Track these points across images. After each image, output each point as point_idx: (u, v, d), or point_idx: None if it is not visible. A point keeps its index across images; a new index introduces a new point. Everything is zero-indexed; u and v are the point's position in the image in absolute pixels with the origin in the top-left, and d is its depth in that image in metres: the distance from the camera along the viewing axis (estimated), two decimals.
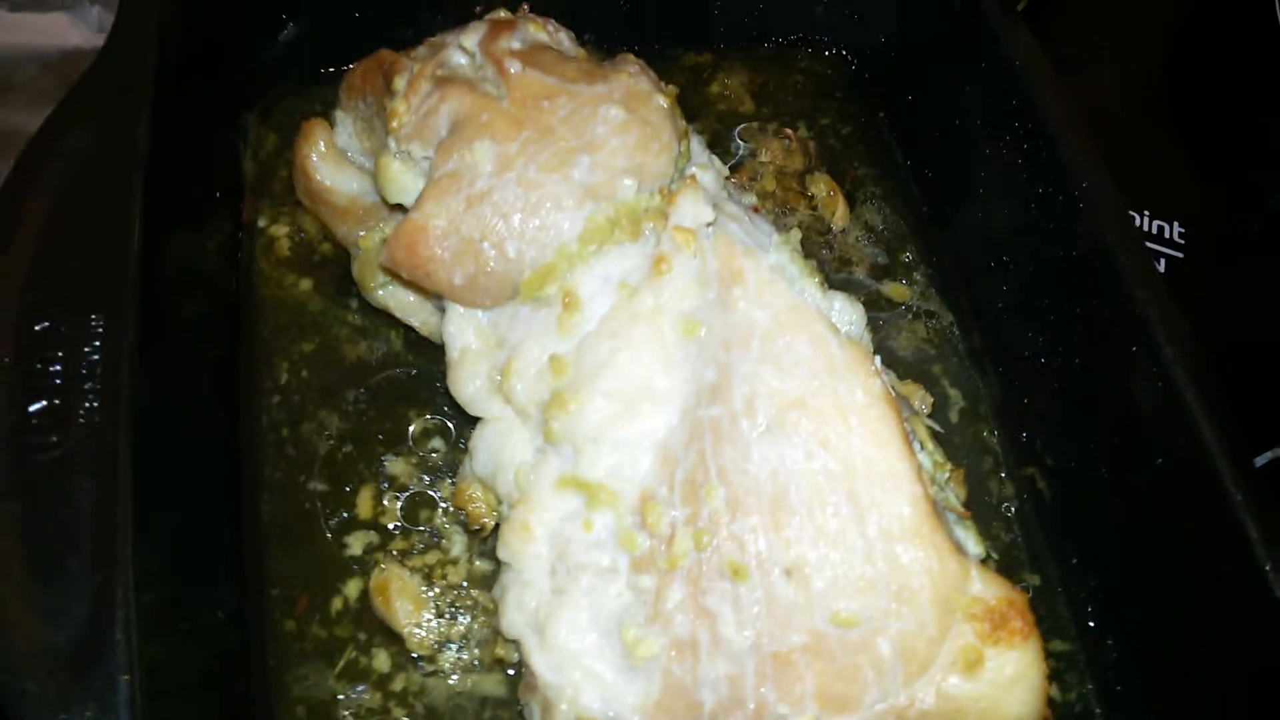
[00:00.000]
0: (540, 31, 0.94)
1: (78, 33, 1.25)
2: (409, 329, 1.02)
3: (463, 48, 0.91)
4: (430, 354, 1.01)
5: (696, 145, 0.95)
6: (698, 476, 0.76)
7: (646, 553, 0.77)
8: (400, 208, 0.91)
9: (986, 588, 0.73)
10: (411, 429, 1.00)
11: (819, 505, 0.73)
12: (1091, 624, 0.96)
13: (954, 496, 0.83)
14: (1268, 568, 0.79)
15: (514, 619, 0.81)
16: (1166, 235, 1.31)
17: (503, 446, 0.86)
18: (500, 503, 0.88)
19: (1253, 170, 1.44)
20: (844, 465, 0.74)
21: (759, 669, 0.73)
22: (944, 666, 0.72)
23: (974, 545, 0.80)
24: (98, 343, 0.79)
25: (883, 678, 0.72)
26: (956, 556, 0.73)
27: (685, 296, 0.80)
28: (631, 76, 0.89)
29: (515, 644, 0.82)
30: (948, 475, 0.84)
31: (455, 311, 0.88)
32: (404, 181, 0.89)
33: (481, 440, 0.87)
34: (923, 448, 0.82)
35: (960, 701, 0.72)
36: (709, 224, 0.83)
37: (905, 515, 0.73)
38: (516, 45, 0.90)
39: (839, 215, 1.17)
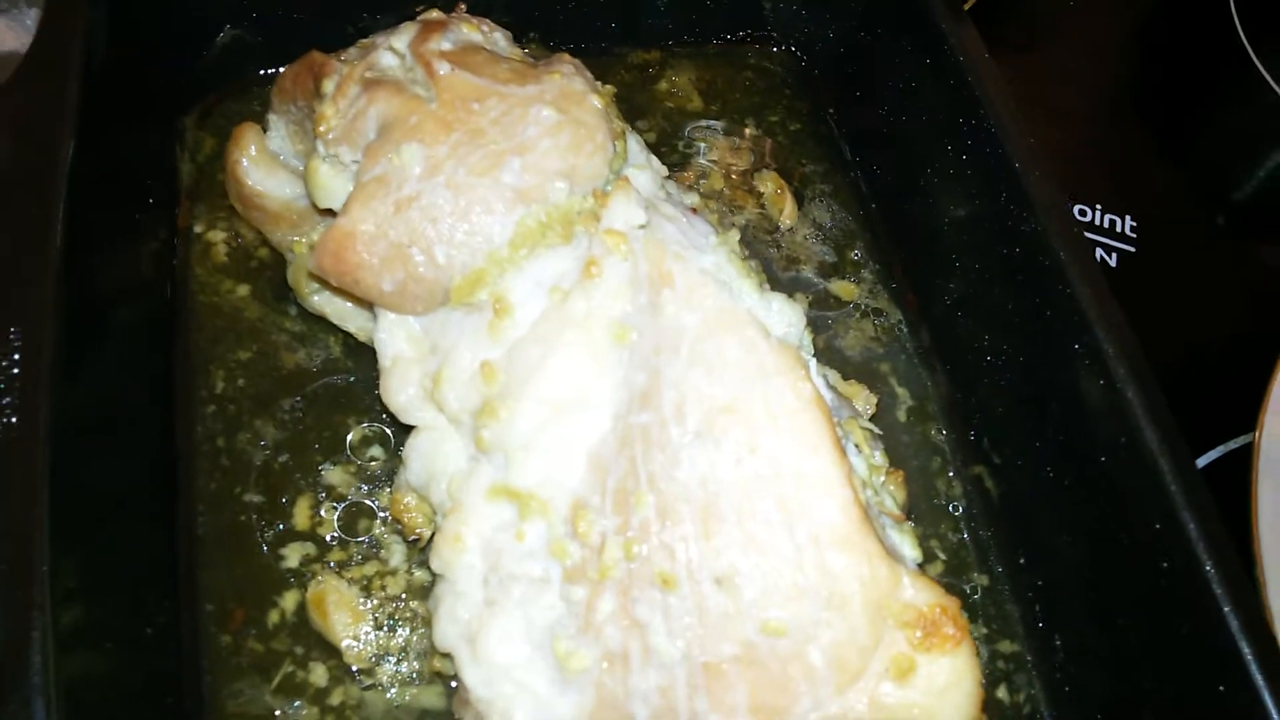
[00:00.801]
0: (474, 32, 0.92)
1: (14, 36, 1.22)
2: (348, 334, 1.01)
3: (393, 49, 0.89)
4: (370, 360, 0.99)
5: (634, 145, 0.94)
6: (628, 484, 0.75)
7: (578, 562, 0.76)
8: (331, 213, 0.89)
9: (918, 594, 0.72)
10: (350, 437, 0.98)
11: (749, 512, 0.72)
12: (1040, 624, 0.96)
13: (891, 500, 0.82)
14: (1208, 567, 0.79)
15: (447, 631, 0.80)
16: (1119, 229, 1.31)
17: (435, 455, 0.84)
18: (435, 512, 0.86)
19: (1215, 162, 1.44)
20: (774, 471, 0.73)
21: (690, 679, 0.72)
22: (877, 674, 0.71)
23: (910, 549, 0.79)
24: (16, 356, 0.77)
25: (815, 687, 0.71)
26: (888, 562, 0.72)
27: (616, 301, 0.79)
28: (565, 77, 0.88)
29: (449, 657, 0.81)
30: (883, 479, 0.83)
31: (386, 318, 0.86)
32: (333, 186, 0.87)
33: (415, 449, 0.86)
34: (859, 451, 0.81)
35: (894, 709, 0.71)
36: (641, 226, 0.81)
37: (836, 522, 0.72)
38: (447, 46, 0.88)
39: (787, 213, 1.16)
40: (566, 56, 0.93)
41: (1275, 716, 0.73)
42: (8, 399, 0.76)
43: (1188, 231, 1.34)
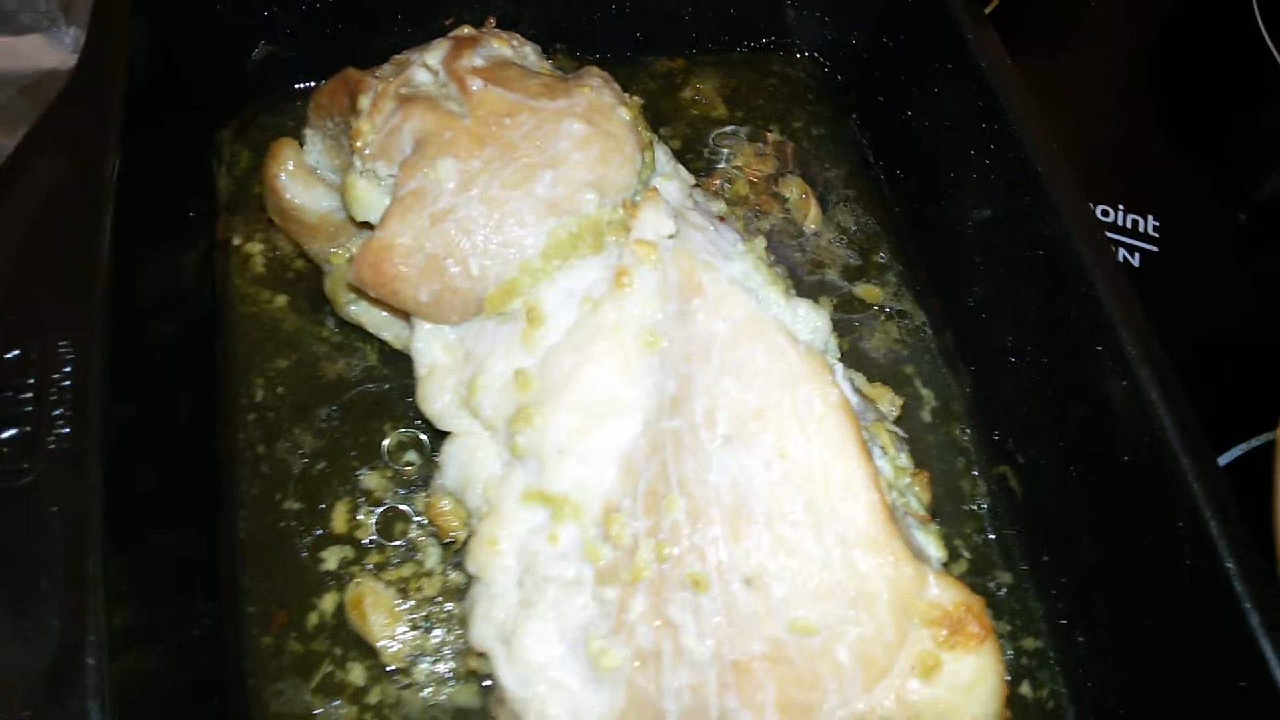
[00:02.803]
0: (504, 47, 0.94)
1: (54, 54, 1.25)
2: (384, 343, 1.03)
3: (426, 66, 0.91)
4: (405, 367, 1.02)
5: (661, 155, 0.96)
6: (659, 488, 0.77)
7: (610, 564, 0.78)
8: (368, 225, 0.92)
9: (943, 593, 0.73)
10: (386, 443, 1.01)
11: (778, 515, 0.74)
12: (1063, 621, 0.97)
13: (916, 501, 0.84)
14: (1229, 564, 0.80)
15: (482, 631, 0.82)
16: (1141, 229, 1.32)
17: (471, 460, 0.87)
18: (470, 516, 0.89)
19: (1237, 161, 1.44)
20: (802, 474, 0.75)
21: (721, 678, 0.74)
22: (902, 672, 0.73)
23: (935, 549, 0.81)
24: (68, 369, 0.80)
25: (842, 684, 0.73)
26: (913, 563, 0.73)
27: (647, 309, 0.81)
28: (594, 90, 0.90)
29: (484, 656, 0.83)
30: (909, 480, 0.85)
31: (422, 328, 0.89)
32: (370, 199, 0.90)
33: (450, 454, 0.88)
34: (884, 453, 0.83)
35: (919, 706, 0.73)
36: (670, 236, 0.83)
37: (862, 522, 0.73)
38: (479, 62, 0.90)
39: (811, 218, 1.17)
40: (595, 70, 0.95)
41: None
42: (59, 410, 0.78)
43: (1210, 231, 1.34)
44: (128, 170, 0.90)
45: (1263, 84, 1.40)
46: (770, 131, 1.25)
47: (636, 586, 0.76)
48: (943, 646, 0.73)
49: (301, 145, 1.02)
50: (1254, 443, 1.15)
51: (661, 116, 1.24)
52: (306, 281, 1.08)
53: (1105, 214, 1.33)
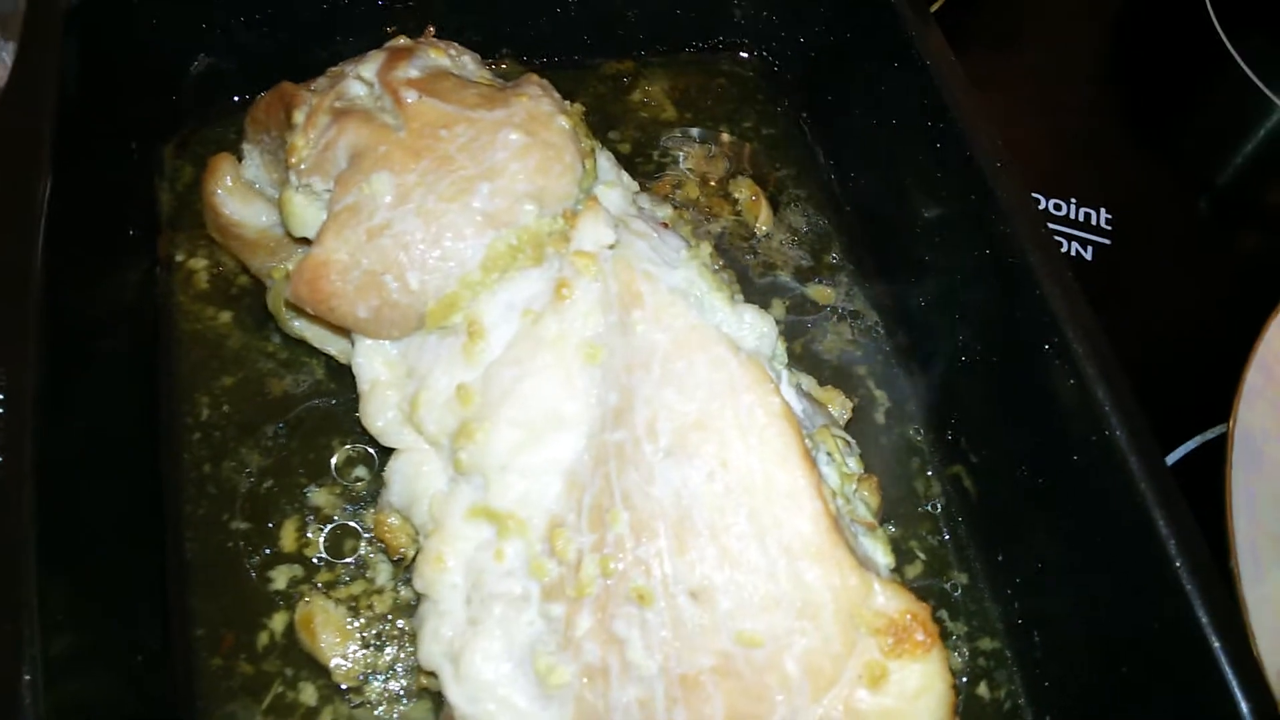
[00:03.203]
0: (441, 56, 0.93)
1: None
2: (330, 358, 1.02)
3: (361, 78, 0.90)
4: (352, 382, 0.99)
5: (605, 162, 0.95)
6: (603, 501, 0.77)
7: (556, 580, 0.77)
8: (307, 241, 0.90)
9: (889, 601, 0.73)
10: (334, 459, 1.00)
11: (721, 526, 0.74)
12: (1019, 621, 0.97)
13: (864, 508, 0.84)
14: (1178, 563, 0.80)
15: (430, 650, 0.81)
16: (1094, 222, 1.32)
17: (416, 477, 0.86)
18: (418, 533, 0.88)
19: (1191, 154, 1.45)
20: (745, 485, 0.74)
21: (669, 692, 0.74)
22: (850, 681, 0.72)
23: (883, 556, 0.80)
24: (1, 396, 0.79)
25: (791, 695, 0.72)
26: (859, 571, 0.73)
27: (588, 321, 0.80)
28: (532, 99, 0.89)
29: (434, 675, 0.82)
30: (857, 486, 0.84)
31: (363, 344, 0.88)
32: (306, 215, 0.89)
33: (395, 471, 0.87)
34: (831, 460, 0.82)
35: (868, 715, 0.72)
36: (610, 246, 0.83)
37: (807, 532, 0.73)
38: (414, 73, 0.89)
39: (762, 219, 1.17)
40: (534, 78, 0.94)
41: (1243, 708, 0.75)
42: None
43: (1162, 223, 1.35)
44: (61, 189, 0.88)
45: (1215, 73, 1.41)
46: (721, 132, 1.24)
47: (582, 602, 0.76)
48: (889, 655, 0.72)
49: (240, 160, 1.01)
50: (1209, 434, 1.16)
51: (611, 120, 1.23)
52: (251, 297, 1.07)
53: (1058, 207, 1.33)
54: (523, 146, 0.85)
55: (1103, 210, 1.33)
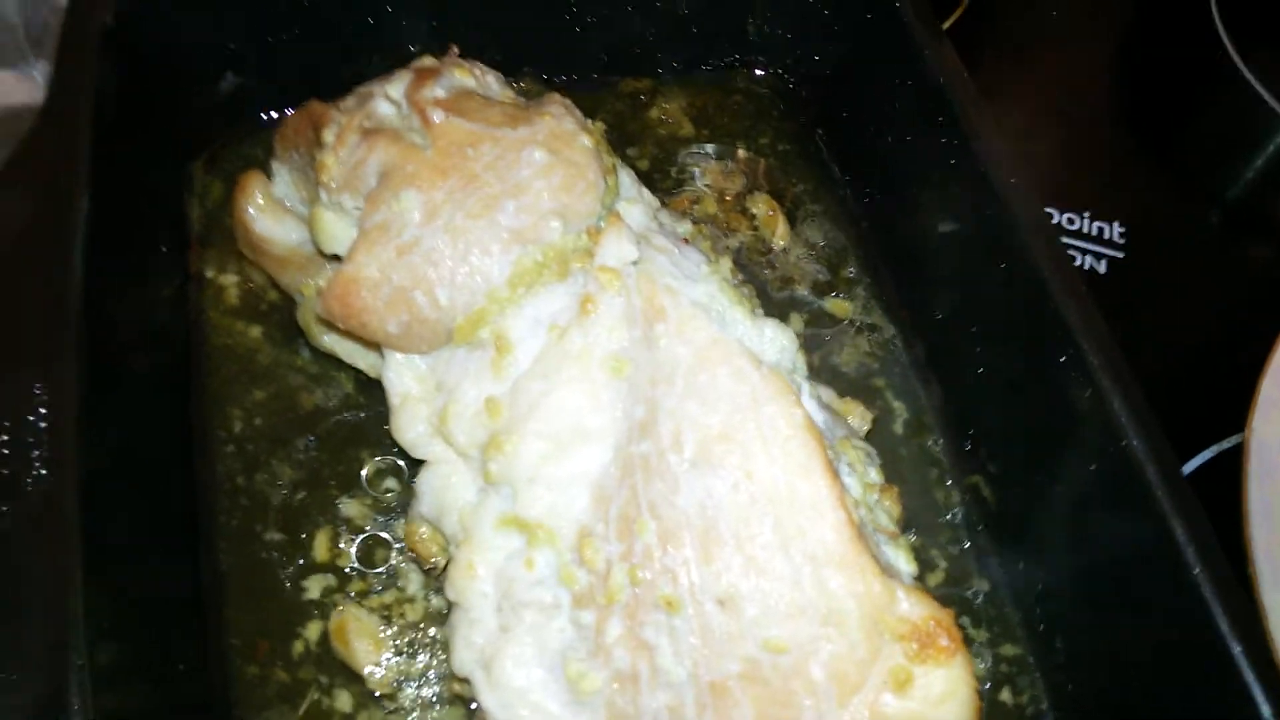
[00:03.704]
0: (466, 76, 0.95)
1: (24, 90, 1.26)
2: (359, 371, 1.04)
3: (389, 98, 0.92)
4: (381, 395, 1.01)
5: (626, 179, 0.97)
6: (630, 512, 0.78)
7: (586, 588, 0.79)
8: (337, 257, 0.93)
9: (913, 608, 0.75)
10: (364, 471, 1.01)
11: (747, 536, 0.75)
12: (1041, 627, 0.98)
13: (886, 517, 0.85)
14: (1196, 570, 0.81)
15: (463, 657, 0.83)
16: (1107, 236, 1.33)
17: (446, 488, 0.88)
18: (449, 542, 0.90)
19: (1202, 166, 1.46)
20: (769, 495, 0.76)
21: (698, 698, 0.75)
22: (876, 687, 0.74)
23: (905, 564, 0.82)
24: (42, 410, 0.81)
25: (817, 701, 0.74)
26: (882, 578, 0.75)
27: (612, 335, 0.82)
28: (555, 118, 0.91)
29: (466, 681, 0.84)
30: (878, 495, 0.86)
31: (394, 358, 0.90)
32: (337, 232, 0.91)
33: (426, 483, 0.89)
34: (852, 470, 0.84)
35: None
36: (633, 261, 0.84)
37: (830, 541, 0.75)
38: (440, 93, 0.91)
39: (780, 234, 1.19)
40: (557, 96, 0.96)
41: (1264, 711, 0.76)
42: (37, 452, 0.79)
43: (1176, 235, 1.36)
44: (98, 206, 0.90)
45: (1223, 87, 1.42)
46: (737, 148, 1.26)
47: (612, 610, 0.77)
48: (914, 660, 0.74)
49: (270, 177, 1.03)
50: (1226, 444, 1.17)
51: (629, 137, 1.25)
52: (281, 312, 1.09)
53: (1071, 222, 1.35)
54: (547, 164, 0.87)
55: (1116, 224, 1.34)
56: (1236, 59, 1.36)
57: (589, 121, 0.94)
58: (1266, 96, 1.34)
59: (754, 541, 0.75)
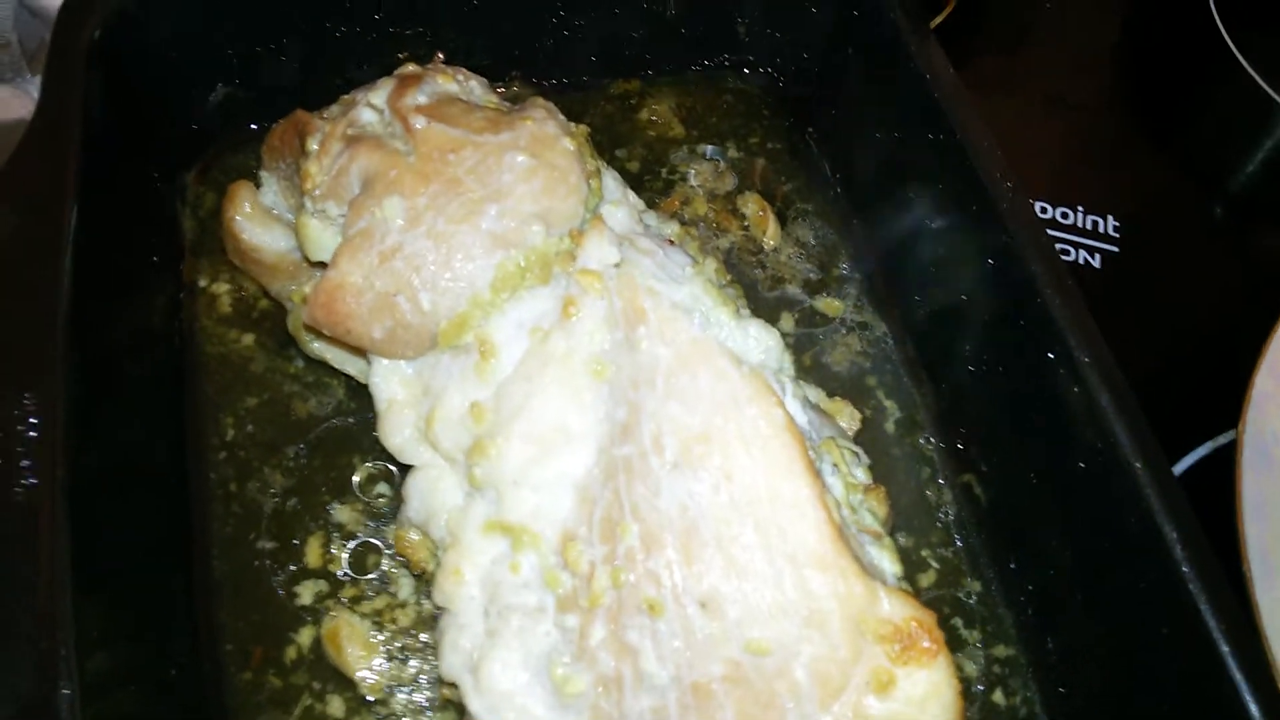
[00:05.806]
0: (449, 82, 0.96)
1: (21, 105, 1.27)
2: (350, 377, 1.05)
3: (372, 105, 0.93)
4: (372, 401, 1.03)
5: (610, 181, 0.97)
6: (613, 514, 0.78)
7: (570, 592, 0.79)
8: (323, 265, 0.93)
9: (895, 609, 0.74)
10: (356, 477, 1.02)
11: (728, 537, 0.75)
12: (1033, 627, 0.98)
13: (871, 517, 0.85)
14: (1185, 569, 0.80)
15: (451, 661, 0.83)
16: (1101, 229, 1.32)
17: (433, 493, 0.88)
18: (437, 547, 0.90)
19: (1197, 159, 1.45)
20: (750, 496, 0.76)
21: (681, 700, 0.75)
22: (858, 688, 0.74)
23: (890, 565, 0.82)
24: (32, 420, 0.81)
25: (800, 702, 0.74)
26: (864, 579, 0.74)
27: (594, 338, 0.82)
28: (537, 122, 0.91)
29: (455, 686, 0.84)
30: (863, 496, 0.85)
31: (379, 364, 0.90)
32: (322, 239, 0.91)
33: (413, 487, 0.90)
34: (836, 470, 0.84)
35: None
36: (615, 264, 0.85)
37: (811, 542, 0.74)
38: (423, 100, 0.92)
39: (770, 233, 1.18)
40: (540, 101, 0.96)
41: (1255, 713, 0.75)
42: (26, 462, 0.80)
43: (1169, 230, 1.36)
44: (87, 218, 0.91)
45: (1220, 79, 1.41)
46: (728, 148, 1.26)
47: (596, 613, 0.78)
48: (896, 662, 0.74)
49: (258, 187, 1.04)
50: (1221, 439, 1.16)
51: (619, 138, 1.25)
52: (273, 320, 1.09)
53: (1065, 216, 1.34)
54: (529, 169, 0.88)
55: (1110, 218, 1.33)
56: (1233, 48, 1.35)
57: (573, 125, 0.95)
58: (1265, 86, 1.33)
59: (735, 543, 0.75)
